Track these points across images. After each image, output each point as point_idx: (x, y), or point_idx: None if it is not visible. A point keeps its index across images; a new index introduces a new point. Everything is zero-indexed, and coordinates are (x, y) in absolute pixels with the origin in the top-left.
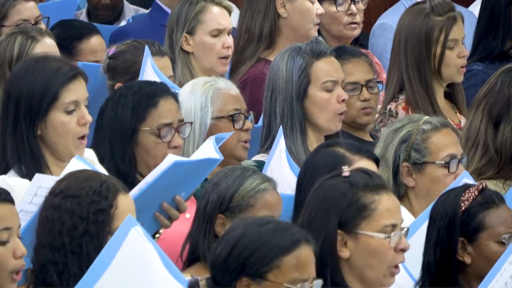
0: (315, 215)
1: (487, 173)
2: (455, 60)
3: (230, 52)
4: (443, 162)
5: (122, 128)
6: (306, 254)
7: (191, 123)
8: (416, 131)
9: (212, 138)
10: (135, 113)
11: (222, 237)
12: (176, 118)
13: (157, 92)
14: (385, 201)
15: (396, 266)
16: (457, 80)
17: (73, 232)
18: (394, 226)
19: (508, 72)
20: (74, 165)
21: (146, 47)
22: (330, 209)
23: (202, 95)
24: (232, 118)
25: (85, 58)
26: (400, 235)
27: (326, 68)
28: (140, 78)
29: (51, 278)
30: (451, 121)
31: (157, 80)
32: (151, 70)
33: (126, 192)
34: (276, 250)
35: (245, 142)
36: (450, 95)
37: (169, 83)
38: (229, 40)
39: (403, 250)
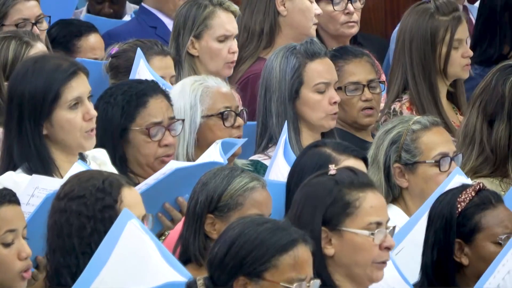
0: (301, 212)
1: (483, 172)
2: (460, 59)
3: (235, 57)
4: (434, 161)
5: (112, 127)
6: (303, 253)
7: (183, 120)
8: (406, 132)
9: (218, 142)
10: (124, 113)
11: (220, 236)
12: (166, 116)
13: (147, 91)
14: (370, 199)
15: (383, 263)
16: (463, 76)
17: (81, 233)
18: (379, 224)
19: (504, 70)
20: (76, 170)
21: (138, 49)
22: (315, 206)
23: (191, 94)
24: (222, 116)
25: (84, 56)
26: (385, 233)
27: (319, 70)
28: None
29: (65, 281)
30: (452, 122)
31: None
32: (146, 70)
33: (131, 185)
34: (273, 249)
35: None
36: (450, 96)
37: (163, 82)
38: (235, 45)
39: (388, 248)
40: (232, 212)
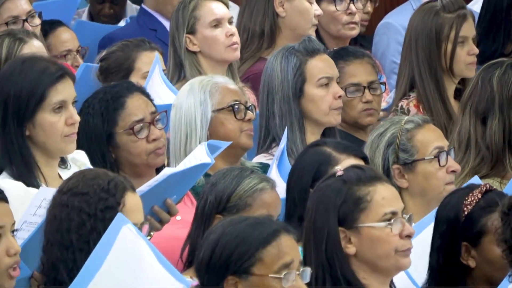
0: (315, 218)
1: (482, 171)
2: (465, 57)
3: (235, 39)
4: (433, 156)
5: (97, 136)
6: (286, 242)
7: (166, 111)
8: (400, 132)
9: (204, 144)
10: (105, 119)
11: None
12: (148, 111)
13: (122, 92)
14: (381, 191)
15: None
16: (468, 75)
17: (81, 229)
18: (394, 214)
19: (487, 69)
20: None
21: (157, 54)
22: (327, 208)
23: (200, 91)
24: (233, 109)
25: (56, 51)
26: (402, 221)
27: (320, 65)
28: (146, 84)
29: (62, 276)
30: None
31: (165, 88)
32: (159, 76)
33: (134, 190)
34: (256, 243)
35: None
36: (458, 95)
37: (173, 90)
38: (232, 28)
39: (409, 236)
40: (240, 213)
